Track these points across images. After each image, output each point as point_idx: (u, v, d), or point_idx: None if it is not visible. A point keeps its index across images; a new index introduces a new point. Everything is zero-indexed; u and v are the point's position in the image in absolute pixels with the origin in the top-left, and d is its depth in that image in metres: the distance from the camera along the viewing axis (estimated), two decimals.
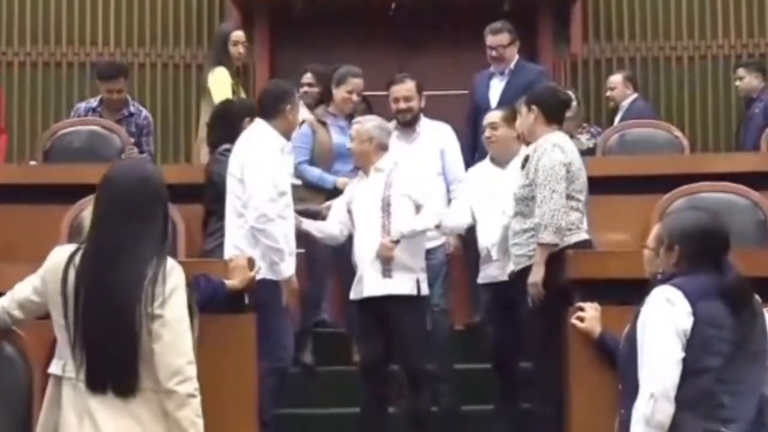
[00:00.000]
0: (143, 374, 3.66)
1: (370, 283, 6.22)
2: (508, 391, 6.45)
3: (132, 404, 3.65)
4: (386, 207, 6.26)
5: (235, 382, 4.66)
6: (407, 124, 7.12)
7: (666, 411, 3.93)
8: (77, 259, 3.72)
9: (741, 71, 8.91)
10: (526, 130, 5.96)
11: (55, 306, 3.74)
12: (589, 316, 4.68)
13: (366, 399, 6.33)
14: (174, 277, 3.72)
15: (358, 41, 9.71)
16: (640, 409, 3.93)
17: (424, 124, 7.18)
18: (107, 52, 10.01)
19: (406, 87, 7.14)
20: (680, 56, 10.15)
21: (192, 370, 3.68)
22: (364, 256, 6.26)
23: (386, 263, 6.14)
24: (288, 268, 5.82)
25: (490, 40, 7.71)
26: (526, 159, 5.87)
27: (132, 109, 8.01)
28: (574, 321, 4.70)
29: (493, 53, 7.69)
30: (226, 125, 6.36)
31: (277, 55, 9.93)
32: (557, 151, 5.69)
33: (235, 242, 5.81)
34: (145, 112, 8.13)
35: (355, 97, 7.35)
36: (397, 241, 6.16)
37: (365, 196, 6.34)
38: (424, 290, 6.29)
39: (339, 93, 7.35)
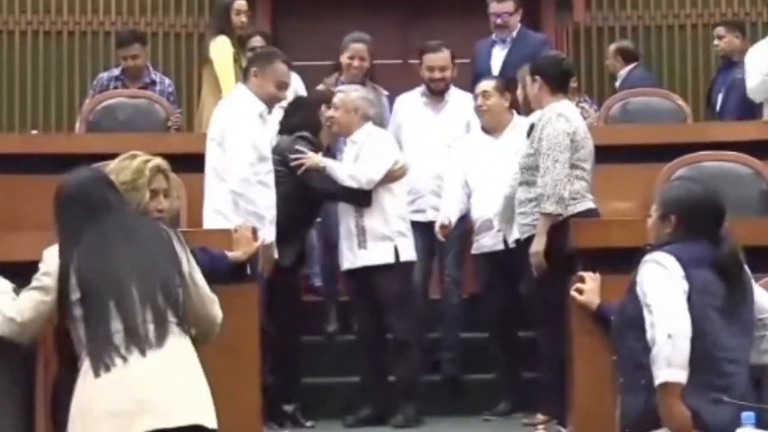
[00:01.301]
0: (181, 313, 3.79)
1: (347, 256, 6.26)
2: (510, 360, 6.47)
3: (171, 343, 3.73)
4: None
5: (239, 351, 4.68)
6: (438, 93, 7.07)
7: (686, 348, 3.91)
8: (78, 256, 3.78)
9: (721, 30, 8.62)
10: (532, 99, 5.97)
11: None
12: (587, 287, 4.68)
13: (365, 368, 6.34)
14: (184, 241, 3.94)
15: (360, 10, 9.67)
16: (661, 352, 3.90)
17: (453, 93, 7.10)
18: (108, 21, 9.98)
19: (442, 56, 7.06)
20: (683, 24, 10.11)
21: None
22: (342, 228, 6.32)
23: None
24: (268, 234, 5.78)
25: (495, 7, 7.65)
26: (532, 127, 5.87)
27: (154, 77, 8.05)
28: (573, 293, 4.72)
29: (498, 20, 7.63)
30: (303, 113, 6.36)
31: (279, 25, 9.90)
32: (561, 120, 5.68)
33: (218, 207, 5.76)
34: (168, 80, 8.18)
35: (356, 63, 7.22)
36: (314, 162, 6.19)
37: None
38: (405, 256, 6.27)
39: (343, 60, 7.29)
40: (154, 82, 8.00)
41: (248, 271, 4.98)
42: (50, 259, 3.85)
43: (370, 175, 6.22)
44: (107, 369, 3.63)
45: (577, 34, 10.09)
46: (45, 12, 9.97)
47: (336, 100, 6.46)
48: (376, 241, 6.20)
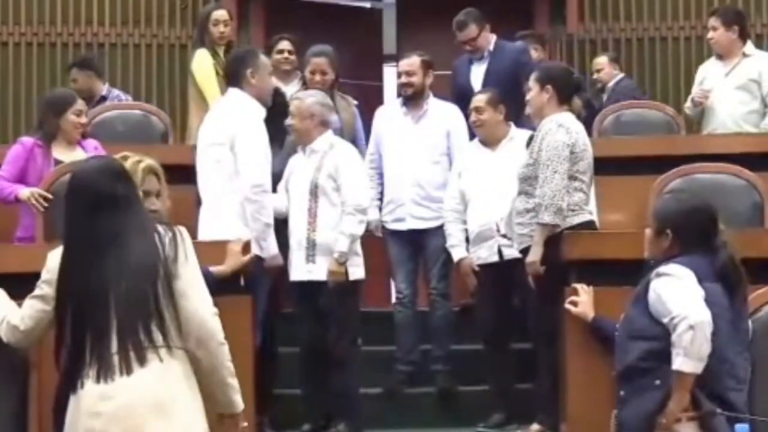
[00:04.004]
0: (167, 333, 3.66)
1: (297, 268, 6.17)
2: (503, 371, 6.47)
3: (155, 364, 3.63)
4: (314, 190, 6.18)
5: (233, 364, 4.67)
6: (409, 99, 7.01)
7: (705, 341, 3.93)
8: (70, 264, 3.72)
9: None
10: (535, 108, 5.85)
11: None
12: (581, 300, 4.68)
13: (308, 380, 6.29)
14: (188, 239, 3.79)
15: (351, 23, 9.69)
16: (680, 341, 3.94)
17: (433, 103, 7.07)
18: (102, 33, 9.98)
19: (408, 61, 7.05)
20: (676, 36, 10.13)
21: (217, 321, 3.75)
22: (293, 239, 6.21)
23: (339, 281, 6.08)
24: (273, 245, 5.81)
25: (460, 36, 7.52)
26: (531, 138, 5.85)
27: (105, 93, 8.16)
28: (567, 306, 4.71)
29: (467, 47, 7.54)
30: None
31: (272, 35, 9.90)
32: (562, 131, 5.64)
33: (232, 219, 5.70)
34: (118, 93, 8.31)
35: (318, 77, 7.09)
36: (344, 262, 6.08)
37: (298, 176, 6.26)
38: (354, 274, 6.17)
39: (306, 75, 7.20)
40: (104, 98, 8.12)
41: (241, 282, 4.97)
42: (51, 265, 3.81)
43: (358, 202, 6.18)
44: (76, 389, 3.61)
45: (571, 46, 10.12)
46: (39, 23, 9.97)
47: (292, 107, 6.37)
48: (324, 257, 6.12)
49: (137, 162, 4.34)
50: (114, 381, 3.57)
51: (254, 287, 5.49)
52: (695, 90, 7.51)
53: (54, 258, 3.81)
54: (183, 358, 3.70)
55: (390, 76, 10.36)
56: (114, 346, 3.60)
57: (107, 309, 3.62)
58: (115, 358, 3.59)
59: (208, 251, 4.88)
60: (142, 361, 3.60)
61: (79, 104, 6.33)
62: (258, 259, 5.68)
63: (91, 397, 3.59)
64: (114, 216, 3.71)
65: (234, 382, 3.82)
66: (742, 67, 7.40)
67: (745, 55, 7.45)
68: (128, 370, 3.58)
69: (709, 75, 7.51)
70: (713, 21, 7.50)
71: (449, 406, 6.65)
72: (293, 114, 6.34)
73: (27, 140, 6.41)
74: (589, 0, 10.14)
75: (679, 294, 4.01)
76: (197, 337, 3.70)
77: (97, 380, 3.58)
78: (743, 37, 7.49)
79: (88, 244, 3.70)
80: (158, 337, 3.64)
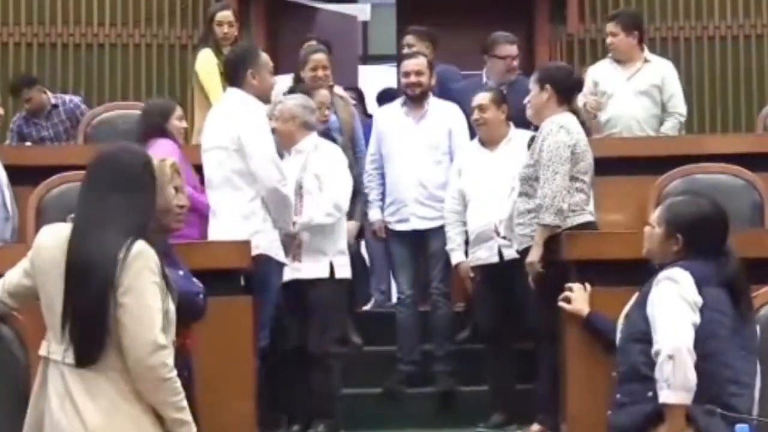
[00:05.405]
0: (122, 355, 3.58)
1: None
2: (503, 372, 6.47)
3: (110, 386, 3.58)
4: (299, 190, 6.19)
5: (233, 364, 4.68)
6: (414, 99, 7.02)
7: (688, 369, 3.92)
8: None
9: (410, 38, 8.02)
10: (535, 108, 5.83)
11: (43, 286, 3.70)
12: (575, 296, 4.68)
13: (289, 380, 6.26)
14: (138, 262, 3.59)
15: None
16: (662, 372, 3.94)
17: (433, 103, 7.07)
18: (102, 33, 9.99)
19: (417, 61, 7.06)
20: (676, 37, 10.13)
21: (158, 357, 3.55)
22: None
23: (296, 253, 6.06)
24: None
25: (508, 50, 7.39)
26: (532, 139, 5.84)
27: (54, 101, 8.30)
28: (561, 303, 4.71)
29: (514, 63, 7.41)
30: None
31: (274, 34, 9.92)
32: (562, 132, 5.63)
33: (245, 213, 5.66)
34: (69, 98, 8.46)
35: (321, 73, 7.10)
36: (293, 235, 6.02)
37: None
38: (341, 273, 6.21)
39: (306, 74, 7.15)
40: (56, 106, 8.27)
41: (242, 282, 4.98)
42: (36, 243, 3.75)
43: (339, 203, 6.24)
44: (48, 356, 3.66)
45: (571, 46, 10.12)
46: (39, 24, 9.99)
47: (275, 111, 6.36)
48: (310, 256, 6.13)
49: (162, 160, 4.26)
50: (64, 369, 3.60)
51: (264, 288, 5.50)
52: (588, 97, 7.31)
53: (44, 235, 3.75)
54: (117, 382, 3.59)
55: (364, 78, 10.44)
56: (66, 340, 3.60)
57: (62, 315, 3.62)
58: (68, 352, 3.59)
59: (211, 251, 4.90)
60: (75, 379, 3.58)
61: (180, 109, 6.34)
62: (275, 264, 5.69)
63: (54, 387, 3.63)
64: (114, 201, 3.65)
65: (180, 415, 3.62)
66: (644, 73, 7.31)
67: (646, 60, 7.40)
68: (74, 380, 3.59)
69: (604, 79, 7.34)
70: (612, 27, 7.41)
71: (449, 406, 6.65)
72: (276, 117, 6.32)
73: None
74: (589, 0, 10.14)
75: (666, 314, 3.99)
76: (135, 374, 3.57)
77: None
78: (642, 42, 7.45)
79: (80, 228, 3.66)
80: (95, 356, 3.58)
